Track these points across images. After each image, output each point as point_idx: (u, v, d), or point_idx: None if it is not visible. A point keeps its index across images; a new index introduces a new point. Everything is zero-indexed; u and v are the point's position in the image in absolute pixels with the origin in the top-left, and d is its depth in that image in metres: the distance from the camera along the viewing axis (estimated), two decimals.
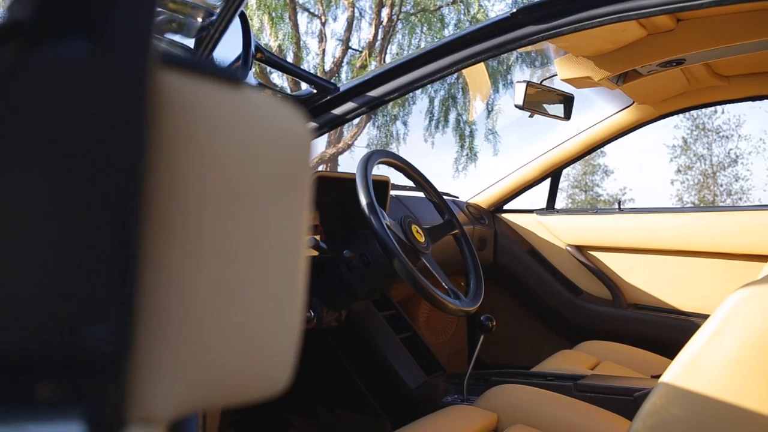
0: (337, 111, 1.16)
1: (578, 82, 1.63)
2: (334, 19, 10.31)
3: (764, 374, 0.78)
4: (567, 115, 1.85)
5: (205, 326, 0.29)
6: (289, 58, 9.44)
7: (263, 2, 8.53)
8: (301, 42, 9.92)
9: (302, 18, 10.49)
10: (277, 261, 0.31)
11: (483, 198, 2.37)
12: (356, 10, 10.04)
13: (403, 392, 1.67)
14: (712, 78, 1.85)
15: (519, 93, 1.67)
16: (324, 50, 9.99)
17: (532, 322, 2.32)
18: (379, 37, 9.73)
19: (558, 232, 2.27)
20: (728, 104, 2.02)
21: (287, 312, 0.32)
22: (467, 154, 10.42)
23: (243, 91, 0.29)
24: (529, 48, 1.97)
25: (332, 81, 1.19)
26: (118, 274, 0.26)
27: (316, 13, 9.99)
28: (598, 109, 2.19)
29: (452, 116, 10.39)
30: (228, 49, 1.12)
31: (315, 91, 1.16)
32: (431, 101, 10.45)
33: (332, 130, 1.25)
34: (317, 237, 1.56)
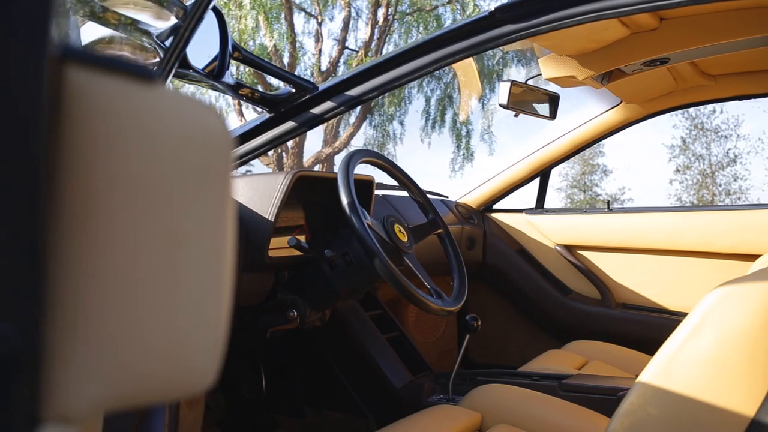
0: (316, 110, 1.16)
1: (563, 81, 1.63)
2: (331, 19, 10.32)
3: (740, 374, 0.78)
4: (552, 115, 1.85)
5: (121, 324, 0.29)
6: (285, 59, 9.44)
7: (258, 2, 8.52)
8: (298, 42, 9.93)
9: (299, 18, 10.50)
10: (198, 258, 0.31)
11: (472, 197, 2.36)
12: (353, 10, 10.04)
13: (389, 392, 1.67)
14: (698, 77, 1.85)
15: (503, 92, 1.67)
16: (320, 50, 9.99)
17: (522, 322, 2.32)
18: (375, 37, 9.73)
19: (547, 231, 2.27)
20: (715, 103, 2.02)
21: (210, 309, 0.31)
22: (464, 154, 10.43)
23: (155, 88, 0.29)
24: (518, 47, 1.97)
25: (311, 80, 1.19)
26: (22, 273, 0.26)
27: (313, 13, 9.98)
28: (588, 109, 2.19)
29: (449, 116, 10.40)
30: (205, 48, 1.12)
31: (294, 90, 1.15)
32: (427, 101, 10.47)
33: (311, 129, 1.24)
34: (299, 237, 1.56)
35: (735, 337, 0.79)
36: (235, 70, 8.88)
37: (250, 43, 9.01)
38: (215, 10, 1.08)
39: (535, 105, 1.80)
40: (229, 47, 1.09)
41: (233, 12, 8.35)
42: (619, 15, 1.02)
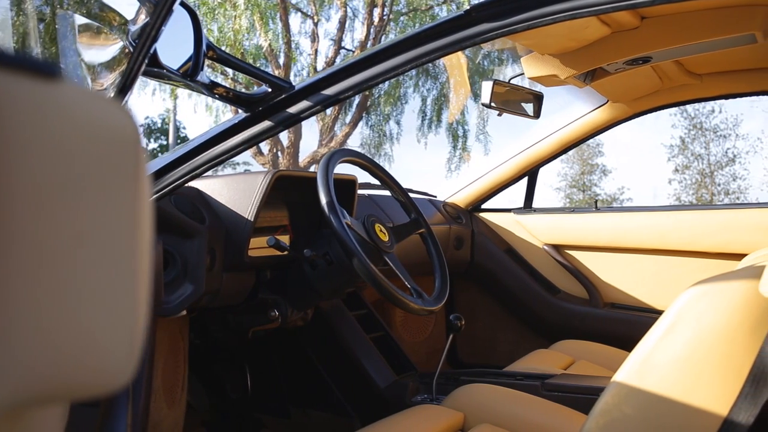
0: (293, 109, 1.15)
1: (545, 81, 1.63)
2: (328, 20, 10.33)
3: (714, 373, 0.77)
4: (536, 114, 1.85)
5: (25, 322, 0.29)
6: (281, 59, 9.46)
7: (253, 2, 8.52)
8: (295, 42, 9.94)
9: (296, 18, 10.51)
10: (107, 257, 0.30)
11: (461, 197, 2.36)
12: (349, 10, 10.05)
13: (373, 391, 1.67)
14: (684, 76, 1.85)
15: (486, 91, 1.66)
16: (317, 50, 10.00)
17: (510, 322, 2.32)
18: (371, 37, 9.74)
19: (535, 231, 2.26)
20: (701, 102, 2.02)
21: (121, 308, 0.31)
22: (459, 155, 10.45)
23: (57, 85, 0.28)
24: (509, 44, 1.97)
25: (287, 79, 1.18)
26: None
27: (309, 13, 9.99)
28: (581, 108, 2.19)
29: (445, 116, 10.41)
30: (180, 48, 1.12)
31: (270, 90, 1.15)
32: (423, 101, 10.48)
33: (288, 129, 1.24)
34: (282, 237, 1.55)
35: (709, 336, 0.79)
36: (232, 72, 8.88)
37: (246, 44, 9.03)
38: (189, 9, 1.08)
39: (518, 104, 1.80)
40: (204, 47, 1.08)
41: (229, 12, 8.37)
42: (595, 13, 1.01)
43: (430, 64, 10.14)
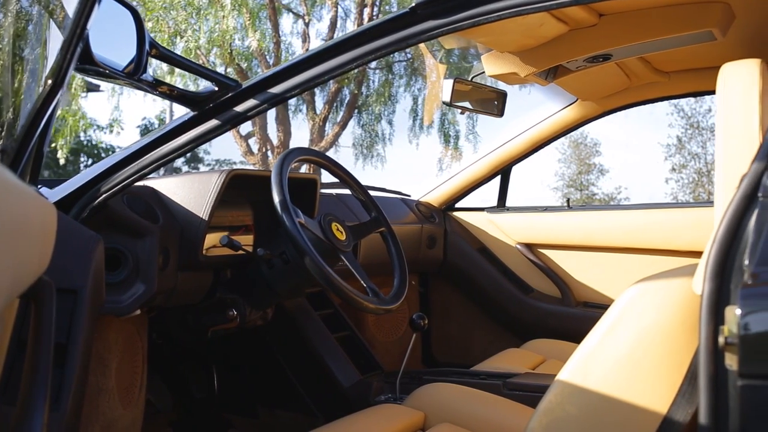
0: (239, 108, 1.15)
1: (506, 78, 1.62)
2: (319, 20, 10.33)
3: (654, 372, 0.77)
4: (500, 112, 1.84)
5: None
6: (272, 60, 9.44)
7: (241, 1, 8.48)
8: (287, 42, 9.93)
9: (288, 18, 10.49)
10: None
11: (434, 196, 2.35)
12: (341, 10, 10.05)
13: (337, 391, 1.67)
14: (651, 74, 1.85)
15: (446, 90, 1.65)
16: (308, 50, 9.96)
17: (483, 321, 2.31)
18: None
19: (508, 230, 2.26)
20: (670, 100, 2.02)
21: None
22: (451, 154, 10.46)
23: None
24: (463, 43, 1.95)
25: (234, 78, 1.18)
26: None
27: (300, 13, 9.97)
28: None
29: (436, 116, 10.44)
30: (125, 47, 1.12)
31: (217, 88, 1.14)
32: (415, 100, 10.49)
33: (235, 127, 1.24)
34: (240, 236, 1.55)
35: (649, 334, 0.79)
36: (224, 71, 8.87)
37: (236, 44, 9.01)
38: (130, 8, 1.08)
39: (481, 102, 1.79)
40: (147, 45, 1.08)
41: (218, 12, 8.34)
42: (540, 10, 1.00)
43: (421, 64, 10.14)
